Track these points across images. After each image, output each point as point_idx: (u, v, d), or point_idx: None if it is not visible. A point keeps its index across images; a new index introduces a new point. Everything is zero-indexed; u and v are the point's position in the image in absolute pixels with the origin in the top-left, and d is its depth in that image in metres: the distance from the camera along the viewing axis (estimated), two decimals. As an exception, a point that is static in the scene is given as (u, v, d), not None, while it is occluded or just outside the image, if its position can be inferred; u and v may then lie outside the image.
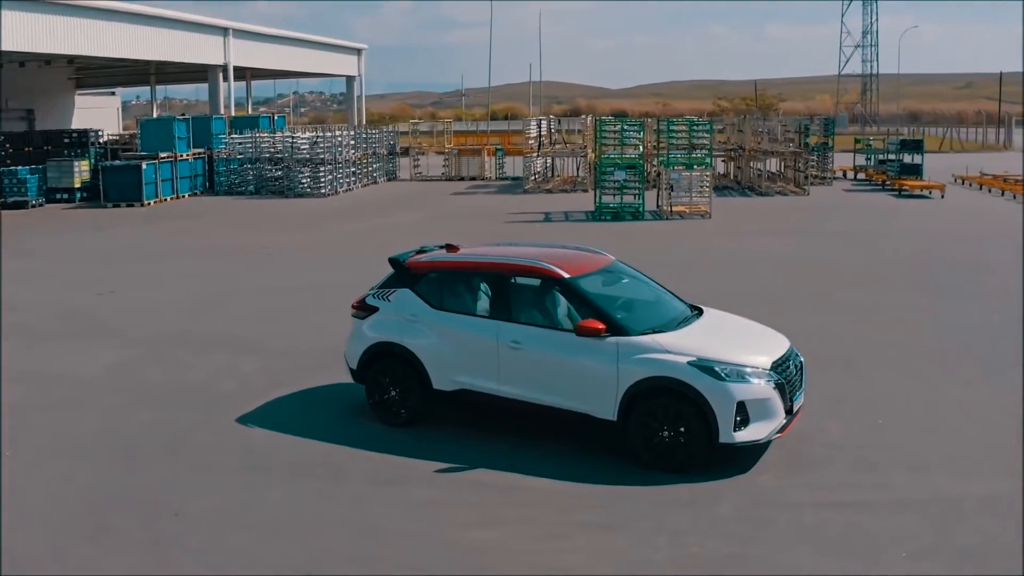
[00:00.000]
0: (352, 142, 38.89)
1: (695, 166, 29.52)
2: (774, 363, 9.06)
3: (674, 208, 29.58)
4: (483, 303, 9.94)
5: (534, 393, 9.47)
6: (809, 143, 38.01)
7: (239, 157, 37.16)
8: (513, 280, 9.89)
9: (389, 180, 43.43)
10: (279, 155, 37.05)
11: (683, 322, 9.65)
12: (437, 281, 10.23)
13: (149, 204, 33.35)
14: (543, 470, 9.00)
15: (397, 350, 10.18)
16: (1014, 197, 33.03)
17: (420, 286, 10.25)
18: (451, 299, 10.13)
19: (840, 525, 7.85)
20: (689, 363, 8.79)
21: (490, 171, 44.40)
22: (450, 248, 10.73)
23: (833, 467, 9.07)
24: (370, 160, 40.99)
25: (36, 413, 10.92)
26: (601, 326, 9.09)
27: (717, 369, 8.74)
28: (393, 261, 10.61)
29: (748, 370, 8.82)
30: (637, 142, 29.97)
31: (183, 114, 46.95)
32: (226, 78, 43.81)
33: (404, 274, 10.43)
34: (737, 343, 9.31)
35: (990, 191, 35.60)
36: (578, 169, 39.85)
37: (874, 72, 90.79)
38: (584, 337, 9.12)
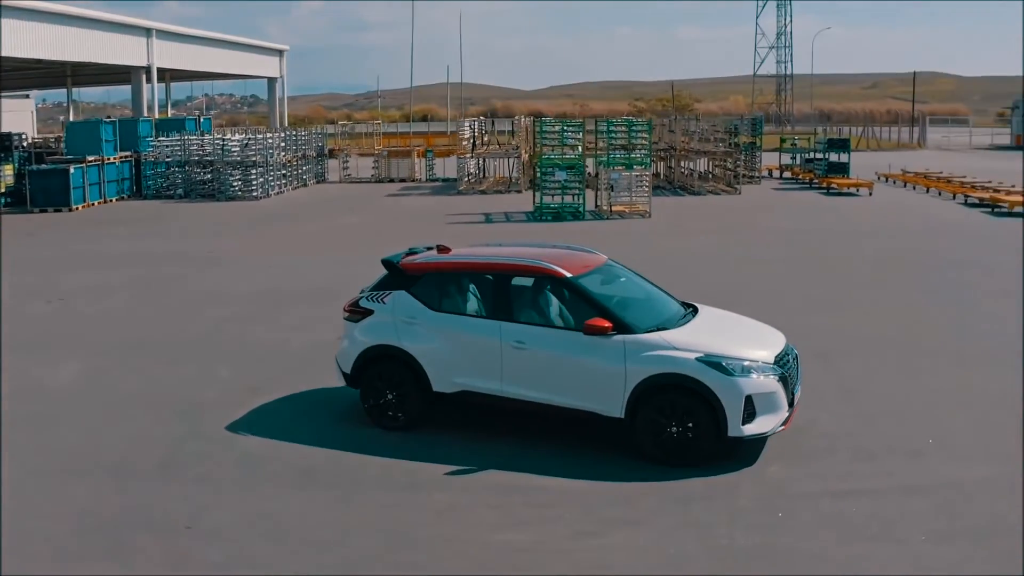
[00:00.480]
0: (282, 144, 38.37)
1: (634, 166, 29.84)
2: (776, 357, 9.25)
3: (614, 208, 29.87)
4: (484, 304, 9.92)
5: (538, 393, 9.49)
6: (739, 143, 38.75)
7: (167, 160, 36.37)
8: (513, 281, 9.89)
9: (318, 182, 42.95)
10: (208, 158, 36.38)
11: (683, 319, 9.78)
12: (435, 283, 10.18)
13: (77, 209, 32.40)
14: (552, 469, 9.04)
15: (394, 353, 10.10)
16: (939, 194, 34.12)
17: (417, 288, 10.18)
18: (450, 300, 10.09)
19: (857, 512, 8.07)
20: (697, 359, 8.93)
21: (420, 173, 44.26)
22: (441, 249, 10.68)
23: (835, 457, 9.30)
24: (300, 162, 40.50)
25: (12, 430, 10.46)
26: (608, 324, 9.16)
27: (725, 364, 8.89)
28: (387, 263, 10.52)
29: (754, 364, 9.00)
30: (577, 143, 30.15)
31: (108, 116, 45.74)
32: (149, 79, 42.80)
33: (399, 276, 10.34)
34: (739, 339, 9.48)
35: (915, 188, 36.69)
36: (512, 170, 39.93)
37: (789, 73, 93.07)
38: (591, 336, 9.17)
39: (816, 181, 38.37)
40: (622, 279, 10.32)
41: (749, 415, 8.86)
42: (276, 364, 12.91)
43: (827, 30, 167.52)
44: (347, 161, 44.19)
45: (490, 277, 9.95)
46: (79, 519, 8.22)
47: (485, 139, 42.57)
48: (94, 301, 17.45)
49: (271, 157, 36.58)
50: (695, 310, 10.14)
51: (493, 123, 42.30)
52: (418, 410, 10.10)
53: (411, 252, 10.84)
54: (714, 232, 25.60)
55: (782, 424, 9.11)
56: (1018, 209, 27.92)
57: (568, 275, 9.69)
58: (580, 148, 30.29)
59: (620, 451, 9.34)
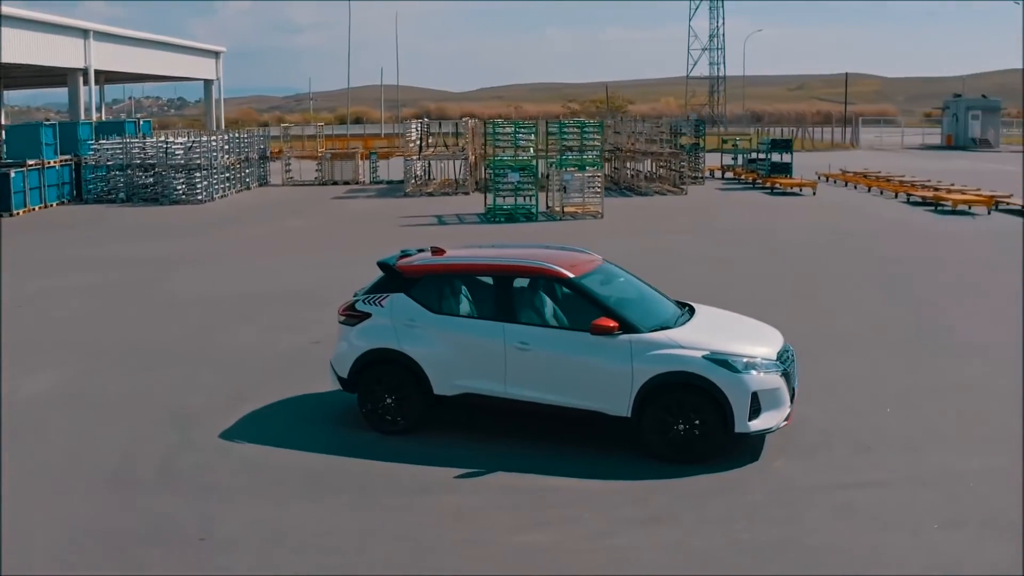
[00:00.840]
0: (226, 146, 37.84)
1: (587, 167, 30.01)
2: (778, 354, 9.40)
3: (566, 209, 30.01)
4: (486, 305, 9.89)
5: (543, 394, 9.50)
6: (682, 143, 39.20)
7: (108, 164, 35.61)
8: (515, 282, 9.89)
9: (261, 185, 42.41)
10: (150, 161, 35.70)
11: (683, 318, 9.88)
12: (434, 285, 10.12)
13: (18, 214, 31.54)
14: (559, 469, 9.06)
15: (394, 356, 10.01)
16: (881, 193, 34.89)
17: (415, 290, 10.11)
18: (450, 303, 10.05)
19: (867, 503, 8.25)
20: (704, 357, 9.03)
21: (364, 175, 43.96)
22: (435, 251, 10.62)
23: (834, 451, 9.49)
24: (243, 165, 39.98)
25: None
26: (615, 324, 9.21)
27: (731, 362, 9.01)
28: (383, 265, 10.44)
29: (758, 361, 9.14)
30: (529, 144, 30.24)
31: (47, 119, 44.61)
32: (87, 82, 41.84)
33: (396, 279, 10.26)
34: (741, 336, 9.62)
35: (856, 188, 37.46)
36: (459, 171, 39.87)
37: (721, 75, 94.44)
38: (597, 336, 9.22)
39: (759, 181, 38.96)
40: (620, 279, 10.39)
41: (755, 411, 8.99)
42: (258, 369, 12.71)
43: (759, 32, 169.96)
44: (289, 164, 43.72)
45: (491, 279, 9.93)
46: (84, 533, 7.98)
47: (430, 141, 42.43)
48: (54, 307, 17.01)
49: (215, 160, 36.04)
50: (691, 309, 10.25)
51: (440, 125, 42.15)
52: (418, 414, 10.03)
53: (404, 254, 10.77)
54: (670, 232, 25.86)
55: (785, 419, 9.26)
56: (961, 207, 28.69)
57: (571, 276, 9.73)
58: (532, 150, 30.40)
59: (622, 450, 9.41)
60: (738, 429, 8.98)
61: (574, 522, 7.97)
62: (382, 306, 10.17)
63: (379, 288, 10.35)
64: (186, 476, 9.17)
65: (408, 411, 10.03)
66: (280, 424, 10.58)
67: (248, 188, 40.29)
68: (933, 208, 29.76)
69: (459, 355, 9.78)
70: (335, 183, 42.92)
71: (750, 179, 40.38)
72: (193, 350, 13.83)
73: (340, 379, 10.41)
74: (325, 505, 8.42)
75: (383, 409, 10.09)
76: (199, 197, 35.01)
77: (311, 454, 9.63)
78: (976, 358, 12.66)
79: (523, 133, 30.48)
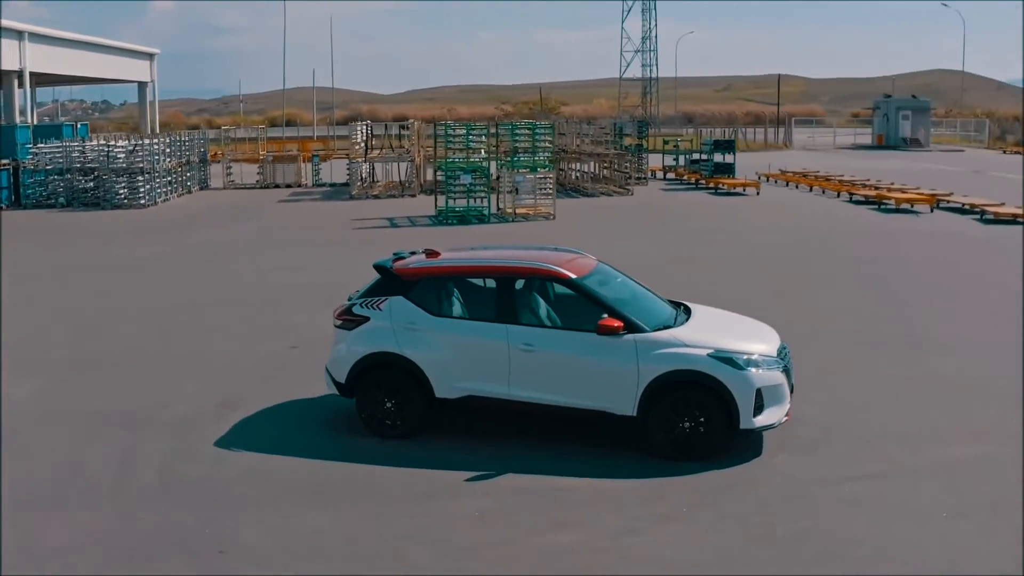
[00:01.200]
0: (167, 150, 37.24)
1: (538, 169, 30.15)
2: (778, 350, 9.60)
3: (518, 210, 30.11)
4: (488, 307, 9.91)
5: (548, 394, 9.57)
6: (625, 144, 39.55)
7: (47, 168, 34.78)
8: (516, 283, 9.93)
9: (202, 189, 41.76)
10: (90, 165, 34.96)
11: (682, 317, 10.02)
12: (433, 287, 10.11)
13: (-45, 221, 30.68)
14: (567, 470, 9.13)
15: (394, 360, 9.97)
16: (823, 192, 35.61)
17: (414, 293, 10.09)
18: (450, 305, 10.05)
19: (873, 495, 8.50)
20: (709, 355, 9.18)
21: (306, 178, 43.57)
22: (430, 253, 10.61)
23: (832, 445, 9.72)
24: (184, 168, 39.37)
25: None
26: (620, 324, 9.32)
27: (736, 359, 9.18)
28: (380, 268, 10.40)
29: (761, 358, 9.32)
30: (481, 146, 30.29)
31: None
32: (21, 84, 40.80)
33: (394, 281, 10.23)
34: (741, 334, 9.80)
35: (797, 187, 38.17)
36: (406, 174, 39.74)
37: (654, 76, 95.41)
38: (602, 336, 9.31)
39: (703, 182, 39.46)
40: (618, 279, 10.49)
41: (758, 408, 9.18)
42: (240, 376, 12.52)
43: (690, 34, 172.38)
44: (230, 167, 43.14)
45: (493, 280, 9.96)
46: (95, 548, 7.81)
47: (373, 143, 42.18)
48: (11, 315, 16.58)
49: (157, 164, 35.44)
50: (687, 308, 10.40)
51: (386, 127, 41.94)
52: (418, 417, 10.02)
53: (397, 256, 10.74)
54: (624, 232, 26.09)
55: (785, 415, 9.45)
56: (905, 206, 29.43)
57: (574, 276, 9.81)
58: (484, 151, 30.46)
59: (624, 449, 9.53)
60: (743, 426, 9.15)
61: (593, 522, 8.04)
62: (380, 309, 10.13)
63: (376, 291, 10.31)
64: (189, 487, 9.00)
65: (408, 415, 10.00)
66: (274, 431, 10.47)
67: (189, 192, 39.65)
68: (876, 207, 30.47)
69: (461, 357, 9.79)
70: (277, 186, 42.45)
71: (693, 179, 40.88)
72: (168, 358, 13.58)
73: (337, 384, 10.33)
74: (341, 512, 8.35)
75: (383, 414, 10.05)
76: (142, 202, 34.36)
77: (313, 461, 9.53)
78: (956, 353, 13.06)
79: (475, 135, 30.49)
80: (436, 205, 30.92)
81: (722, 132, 66.16)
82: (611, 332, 9.29)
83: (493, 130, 31.74)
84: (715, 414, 9.15)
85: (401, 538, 7.84)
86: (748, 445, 9.52)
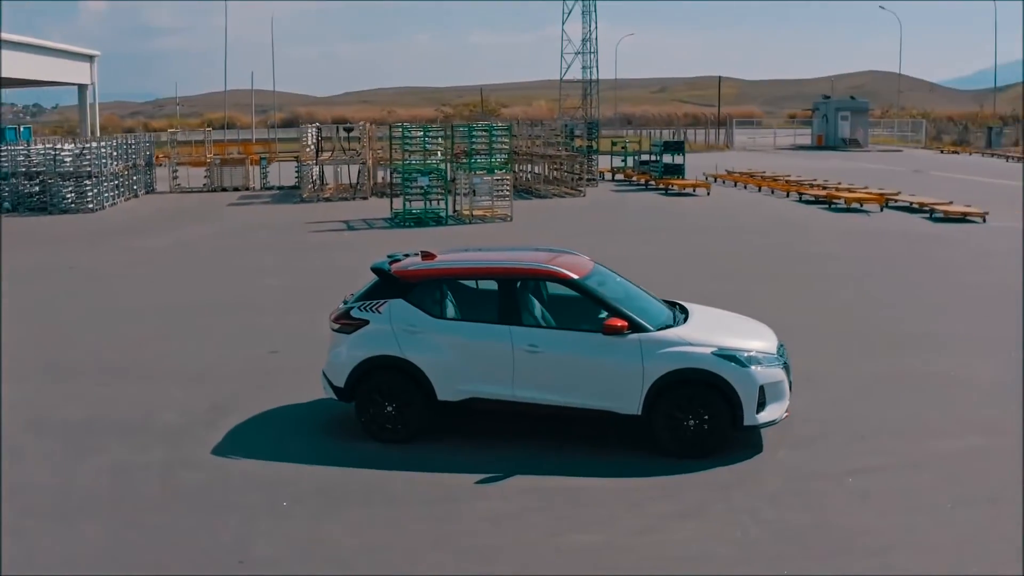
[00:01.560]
0: (115, 153, 36.60)
1: (495, 170, 30.20)
2: (777, 348, 9.78)
3: (475, 212, 30.13)
4: (490, 309, 9.91)
5: (553, 395, 9.61)
6: (576, 146, 39.79)
7: (-10, 173, 33.96)
8: (518, 284, 9.96)
9: (148, 193, 41.09)
10: (36, 169, 34.21)
11: (681, 317, 10.15)
12: (433, 289, 10.09)
13: None
14: (575, 470, 9.18)
15: (395, 363, 9.92)
16: (772, 192, 36.17)
17: (413, 295, 10.06)
18: (452, 307, 10.05)
19: (877, 487, 8.72)
20: (713, 353, 9.31)
21: (254, 181, 43.11)
22: (426, 255, 10.58)
23: (830, 439, 9.93)
24: (131, 172, 38.72)
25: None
26: (625, 324, 9.40)
27: (740, 356, 9.32)
28: (378, 271, 10.35)
29: (763, 356, 9.48)
30: (438, 148, 30.26)
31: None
32: (-42, 87, 39.73)
33: (392, 284, 10.18)
34: (741, 333, 9.97)
35: (745, 187, 38.71)
36: (358, 176, 39.51)
37: (594, 78, 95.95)
38: (607, 336, 9.39)
39: (653, 183, 39.83)
40: (615, 280, 10.57)
41: (761, 404, 9.33)
42: (223, 382, 12.29)
43: (630, 36, 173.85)
44: (176, 171, 42.52)
45: (494, 282, 9.98)
46: (109, 560, 7.63)
47: (331, 145, 41.84)
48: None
49: (105, 167, 34.81)
50: (682, 307, 10.52)
51: (336, 129, 41.60)
52: (419, 421, 9.98)
53: (393, 259, 10.70)
54: (585, 233, 26.11)
55: (785, 411, 9.63)
56: (855, 205, 30.02)
57: (576, 277, 9.88)
58: (440, 153, 30.42)
59: (627, 447, 9.63)
60: (746, 422, 9.31)
61: (612, 521, 8.09)
62: (380, 312, 10.07)
63: (373, 294, 10.25)
64: (194, 496, 8.84)
65: (409, 419, 9.96)
66: (270, 437, 10.34)
67: (136, 196, 38.98)
68: (827, 206, 31.05)
69: (465, 360, 9.77)
70: (224, 189, 41.96)
71: (643, 180, 41.23)
72: (144, 364, 13.31)
73: (335, 388, 10.25)
74: (355, 519, 8.28)
75: (383, 418, 9.99)
76: (90, 206, 33.69)
77: (315, 467, 9.43)
78: (934, 348, 13.39)
79: (431, 137, 30.46)
80: (391, 207, 30.83)
81: (660, 134, 66.80)
82: (617, 332, 9.37)
83: (449, 132, 31.62)
84: (719, 411, 9.28)
85: (422, 543, 7.80)
86: (748, 441, 9.67)
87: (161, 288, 19.16)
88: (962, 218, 26.66)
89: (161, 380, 12.52)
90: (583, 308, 10.07)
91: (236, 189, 42.04)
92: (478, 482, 8.96)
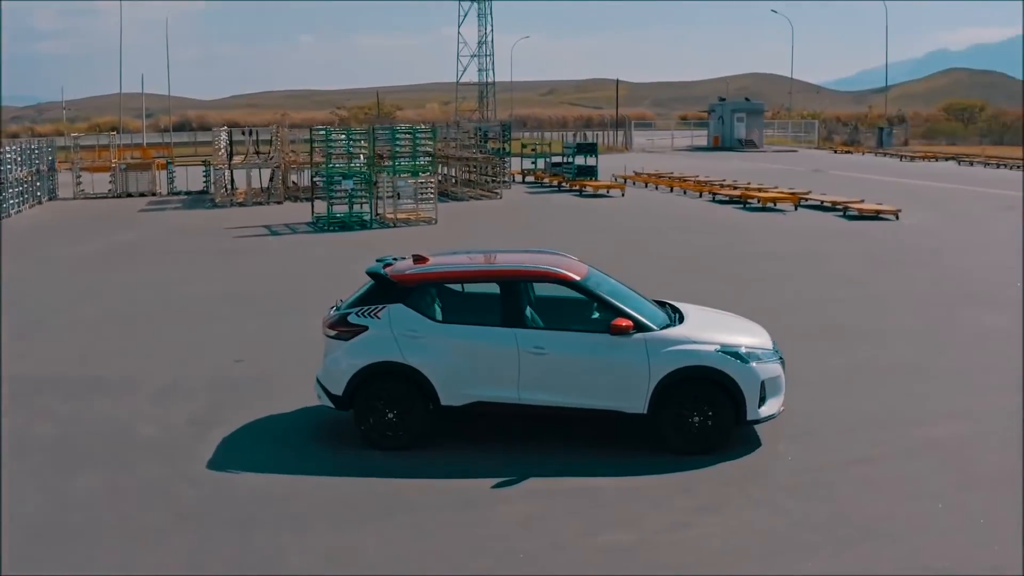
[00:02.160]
0: (19, 159, 35.25)
1: (419, 173, 30.11)
2: (772, 344, 10.08)
3: (399, 216, 29.98)
4: (493, 312, 9.92)
5: (560, 397, 9.68)
6: (490, 148, 39.94)
7: None
8: (520, 286, 10.01)
9: (52, 199, 39.65)
10: (-65, 176, 32.71)
11: (678, 315, 10.36)
12: (431, 293, 10.05)
13: None
14: (586, 470, 9.26)
15: (396, 369, 9.83)
16: (684, 192, 36.94)
17: (412, 300, 10.00)
18: (453, 311, 10.03)
19: (886, 475, 9.09)
20: (716, 350, 9.54)
21: (161, 186, 42.07)
22: (418, 259, 10.51)
23: (825, 431, 10.28)
24: (34, 178, 37.35)
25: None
26: (631, 324, 9.56)
27: (742, 353, 9.57)
28: (375, 275, 10.25)
29: (761, 352, 9.76)
30: (361, 151, 30.01)
31: None
32: None
33: (390, 288, 10.08)
34: (738, 330, 10.23)
35: (657, 188, 39.43)
36: (270, 180, 38.91)
37: (490, 81, 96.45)
38: (614, 336, 9.53)
39: (565, 184, 40.22)
40: (611, 281, 10.70)
41: (762, 399, 9.60)
42: (196, 393, 11.93)
43: (526, 39, 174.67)
44: (80, 176, 41.18)
45: (497, 284, 10.00)
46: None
47: (247, 149, 41.05)
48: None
49: (9, 173, 33.49)
50: (674, 307, 10.73)
51: (251, 132, 40.85)
52: (421, 427, 9.93)
53: (385, 263, 10.61)
54: (517, 235, 26.26)
55: (781, 405, 9.93)
56: (769, 204, 30.89)
57: (577, 278, 9.99)
58: (363, 156, 30.18)
59: (631, 446, 9.77)
60: (749, 417, 9.57)
61: (639, 519, 8.20)
62: (379, 318, 9.96)
63: (370, 299, 10.13)
64: (203, 514, 8.54)
65: (411, 425, 9.88)
66: (264, 449, 10.08)
67: (40, 203, 37.60)
68: (742, 205, 31.89)
69: (468, 363, 9.74)
70: (130, 195, 40.83)
71: (555, 182, 41.59)
72: (104, 377, 12.78)
73: (332, 396, 10.09)
74: (380, 529, 8.16)
75: (384, 425, 9.87)
76: (-6, 213, 32.40)
77: (320, 478, 9.25)
78: (889, 340, 13.98)
79: (357, 141, 30.22)
80: (313, 211, 30.45)
81: (563, 136, 67.46)
82: (623, 332, 9.51)
83: (372, 135, 31.32)
84: (724, 407, 9.52)
85: (457, 550, 7.77)
86: (746, 436, 9.93)
87: (99, 297, 18.48)
88: (875, 216, 27.70)
89: (127, 393, 12.07)
90: (572, 309, 10.21)
91: (143, 194, 41.00)
92: (494, 486, 8.94)
